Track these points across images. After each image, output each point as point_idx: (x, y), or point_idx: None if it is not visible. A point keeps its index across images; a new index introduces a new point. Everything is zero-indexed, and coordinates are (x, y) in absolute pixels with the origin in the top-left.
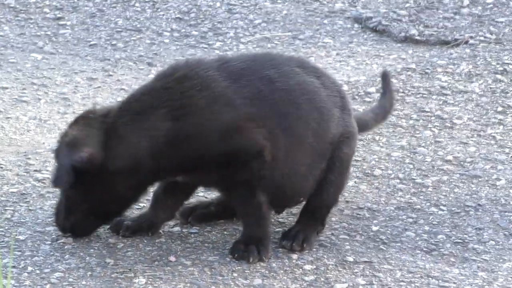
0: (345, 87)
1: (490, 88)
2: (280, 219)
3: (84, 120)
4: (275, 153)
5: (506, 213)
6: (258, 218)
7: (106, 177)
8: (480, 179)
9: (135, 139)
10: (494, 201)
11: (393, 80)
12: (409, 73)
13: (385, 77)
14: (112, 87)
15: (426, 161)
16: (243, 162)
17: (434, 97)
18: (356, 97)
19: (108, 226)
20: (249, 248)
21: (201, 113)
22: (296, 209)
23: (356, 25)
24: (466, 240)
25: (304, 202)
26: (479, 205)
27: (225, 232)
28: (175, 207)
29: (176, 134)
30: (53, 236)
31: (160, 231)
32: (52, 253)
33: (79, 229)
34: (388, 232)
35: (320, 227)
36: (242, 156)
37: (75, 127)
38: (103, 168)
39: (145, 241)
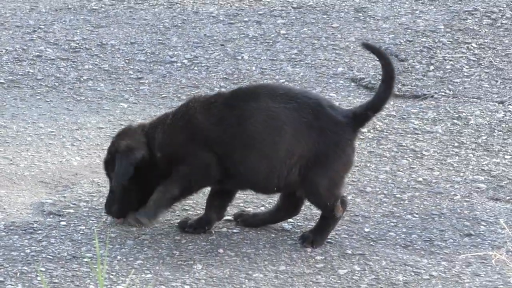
0: None
1: (449, 129)
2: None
3: (129, 132)
4: (230, 161)
5: (461, 219)
6: (163, 198)
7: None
8: (442, 195)
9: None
10: (452, 211)
11: (379, 123)
12: (391, 118)
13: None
14: None
15: (403, 181)
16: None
17: (409, 135)
18: None
19: (176, 226)
20: (147, 212)
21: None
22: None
23: (352, 84)
24: (432, 239)
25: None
26: (441, 213)
27: (259, 232)
28: (222, 209)
29: (161, 142)
30: (136, 234)
31: (212, 230)
32: (134, 246)
33: (120, 213)
34: (376, 232)
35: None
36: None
37: (125, 138)
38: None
39: (201, 237)
